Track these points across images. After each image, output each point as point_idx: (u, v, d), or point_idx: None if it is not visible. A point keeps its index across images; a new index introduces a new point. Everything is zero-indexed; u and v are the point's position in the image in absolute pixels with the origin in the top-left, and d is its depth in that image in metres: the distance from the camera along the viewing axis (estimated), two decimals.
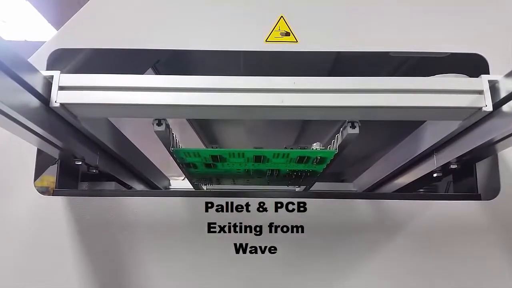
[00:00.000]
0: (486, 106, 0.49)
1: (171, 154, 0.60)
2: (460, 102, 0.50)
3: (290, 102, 0.49)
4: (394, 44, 0.72)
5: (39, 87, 0.48)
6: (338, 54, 0.79)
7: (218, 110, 0.51)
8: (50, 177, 0.74)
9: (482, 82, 0.50)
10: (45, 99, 0.49)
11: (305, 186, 0.84)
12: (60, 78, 0.50)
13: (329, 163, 0.63)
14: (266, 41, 0.71)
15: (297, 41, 0.70)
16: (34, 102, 0.48)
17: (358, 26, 0.74)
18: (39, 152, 0.68)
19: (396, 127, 1.25)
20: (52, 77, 0.50)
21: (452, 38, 0.72)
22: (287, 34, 0.71)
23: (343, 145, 0.57)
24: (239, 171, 0.69)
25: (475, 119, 0.53)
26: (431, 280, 0.64)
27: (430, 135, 0.71)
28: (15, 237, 0.65)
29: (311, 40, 0.71)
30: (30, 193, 0.67)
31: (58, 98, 0.49)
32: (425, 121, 0.73)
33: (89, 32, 0.72)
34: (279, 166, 0.65)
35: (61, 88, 0.50)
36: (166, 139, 0.55)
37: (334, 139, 0.59)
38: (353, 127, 0.53)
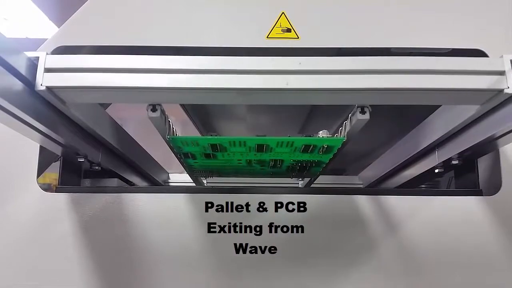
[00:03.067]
0: (508, 88, 0.45)
1: (168, 143, 0.56)
2: (479, 83, 0.46)
3: (295, 85, 0.45)
4: (396, 40, 0.70)
5: (22, 69, 0.44)
6: (339, 50, 0.77)
7: (217, 94, 0.47)
8: (52, 174, 0.75)
9: (504, 62, 0.46)
10: (29, 82, 0.45)
11: (309, 179, 0.80)
12: (47, 59, 0.46)
13: (336, 152, 0.59)
14: (267, 37, 0.70)
15: (298, 37, 0.69)
16: (18, 85, 0.44)
17: (359, 22, 0.73)
18: (42, 149, 0.68)
19: (400, 121, 1.23)
20: (37, 58, 0.46)
21: (454, 33, 0.71)
22: (288, 30, 0.71)
23: (351, 133, 0.54)
24: (240, 162, 0.65)
25: (495, 103, 0.49)
26: (433, 276, 0.64)
27: (436, 129, 0.69)
28: (18, 234, 0.66)
29: (312, 36, 0.70)
30: (32, 190, 0.67)
31: (44, 81, 0.45)
32: (433, 112, 0.70)
33: (91, 29, 0.72)
34: (282, 156, 0.61)
35: (48, 70, 0.46)
36: (162, 126, 0.52)
37: (342, 127, 0.56)
38: (363, 112, 0.50)
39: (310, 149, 0.57)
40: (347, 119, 0.54)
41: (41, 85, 0.45)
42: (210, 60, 0.46)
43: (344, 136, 0.54)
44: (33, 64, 0.46)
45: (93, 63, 0.46)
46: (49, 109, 0.51)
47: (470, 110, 0.55)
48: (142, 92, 0.46)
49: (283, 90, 0.46)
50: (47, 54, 0.46)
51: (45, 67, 0.46)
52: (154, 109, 0.49)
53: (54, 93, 0.47)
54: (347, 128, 0.53)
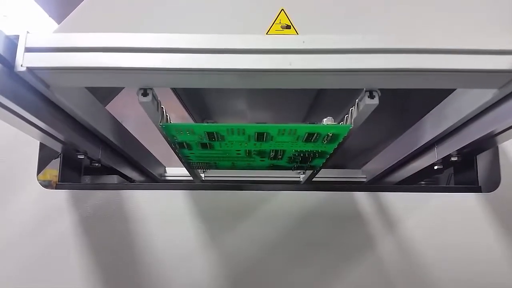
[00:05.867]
0: None
1: (162, 132, 0.52)
2: (498, 64, 0.42)
3: (299, 65, 0.42)
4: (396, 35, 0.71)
5: (0, 48, 0.41)
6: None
7: (214, 76, 0.43)
8: (53, 171, 0.76)
9: None
10: (9, 63, 0.42)
11: (311, 172, 0.77)
12: (27, 38, 0.42)
13: (341, 142, 0.55)
14: (266, 34, 0.70)
15: (297, 34, 0.70)
16: None
17: (359, 18, 0.73)
18: (42, 146, 0.69)
19: (403, 115, 1.20)
20: (17, 37, 0.42)
21: (453, 32, 0.72)
22: (288, 27, 0.71)
23: (359, 120, 0.50)
24: (239, 153, 0.62)
25: None
26: (431, 272, 0.64)
27: (435, 125, 0.67)
28: (18, 231, 0.66)
29: (311, 33, 0.68)
30: (33, 187, 0.68)
31: (24, 61, 0.41)
32: (435, 106, 0.68)
33: (90, 26, 0.72)
34: (284, 146, 0.57)
35: (29, 49, 0.42)
36: (154, 112, 0.48)
37: (348, 114, 0.52)
38: (371, 97, 0.46)
39: (313, 137, 0.53)
40: (354, 105, 0.50)
41: (21, 66, 0.41)
42: (207, 38, 0.42)
43: (351, 123, 0.50)
44: (12, 44, 0.42)
45: (78, 42, 0.42)
46: (35, 96, 0.48)
47: (486, 96, 0.52)
48: (132, 74, 0.42)
49: (286, 71, 0.42)
50: (28, 32, 0.42)
51: (26, 46, 0.42)
52: (145, 94, 0.45)
53: (35, 74, 0.43)
54: (354, 115, 0.50)
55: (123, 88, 0.97)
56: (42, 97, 0.49)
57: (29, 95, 0.47)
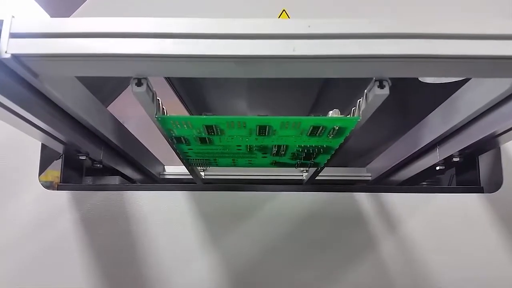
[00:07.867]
0: None
1: (157, 125, 0.50)
2: None
3: (303, 51, 0.39)
4: None
5: None
6: None
7: (213, 63, 0.40)
8: (54, 172, 0.77)
9: None
10: None
11: (315, 169, 0.74)
12: (12, 23, 0.39)
13: (348, 136, 0.52)
14: None
15: None
16: None
17: (359, 19, 0.72)
18: (44, 147, 0.70)
19: (405, 116, 1.18)
20: (1, 22, 0.39)
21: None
22: None
23: (367, 112, 0.47)
24: (240, 149, 0.59)
25: None
26: (433, 273, 0.64)
27: (437, 125, 0.66)
28: (20, 232, 0.66)
29: None
30: (35, 187, 0.68)
31: (9, 47, 0.39)
32: (439, 104, 0.66)
33: None
34: (287, 141, 0.54)
35: (14, 35, 0.39)
36: (149, 104, 0.45)
37: (355, 106, 0.49)
38: (381, 86, 0.43)
39: (319, 131, 0.50)
40: (362, 96, 0.47)
41: (6, 52, 0.39)
42: (203, 22, 0.39)
43: (359, 116, 0.47)
44: None
45: (66, 27, 0.39)
46: (24, 87, 0.46)
47: (500, 88, 0.49)
48: (124, 61, 0.39)
49: (289, 57, 0.39)
50: (13, 17, 0.40)
51: (11, 31, 0.39)
52: (139, 83, 0.42)
53: (22, 62, 0.40)
54: (362, 107, 0.47)
55: (125, 89, 0.95)
56: (31, 89, 0.47)
57: (16, 86, 0.44)
